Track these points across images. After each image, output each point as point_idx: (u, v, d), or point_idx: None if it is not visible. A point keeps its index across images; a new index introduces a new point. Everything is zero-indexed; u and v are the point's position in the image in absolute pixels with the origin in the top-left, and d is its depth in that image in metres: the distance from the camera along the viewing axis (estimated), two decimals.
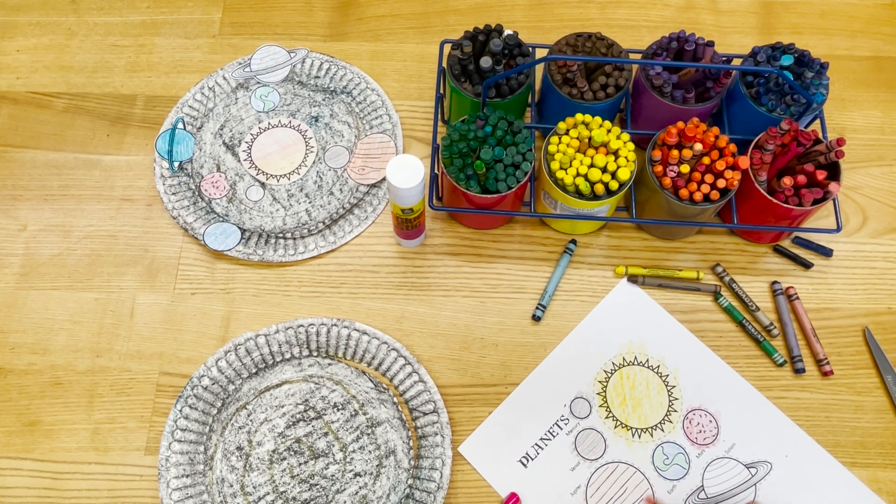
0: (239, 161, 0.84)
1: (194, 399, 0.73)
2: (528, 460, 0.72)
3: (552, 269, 0.80)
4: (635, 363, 0.76)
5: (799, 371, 0.75)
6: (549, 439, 0.73)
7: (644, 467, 0.72)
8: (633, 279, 0.79)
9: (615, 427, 0.73)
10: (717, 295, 0.78)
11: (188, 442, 0.72)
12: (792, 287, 0.78)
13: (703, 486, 0.71)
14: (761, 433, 0.73)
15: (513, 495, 0.70)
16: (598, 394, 0.74)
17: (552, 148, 0.72)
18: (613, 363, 0.76)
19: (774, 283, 0.79)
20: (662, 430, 0.73)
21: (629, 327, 0.77)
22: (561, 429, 0.73)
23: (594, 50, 0.78)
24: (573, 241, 0.80)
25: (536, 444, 0.72)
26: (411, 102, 0.88)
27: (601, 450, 0.72)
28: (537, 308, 0.77)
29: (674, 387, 0.75)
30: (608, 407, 0.74)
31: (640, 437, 0.73)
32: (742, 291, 0.78)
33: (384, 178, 0.83)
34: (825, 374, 0.75)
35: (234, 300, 0.78)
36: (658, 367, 0.75)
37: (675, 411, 0.74)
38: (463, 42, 0.75)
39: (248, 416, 0.73)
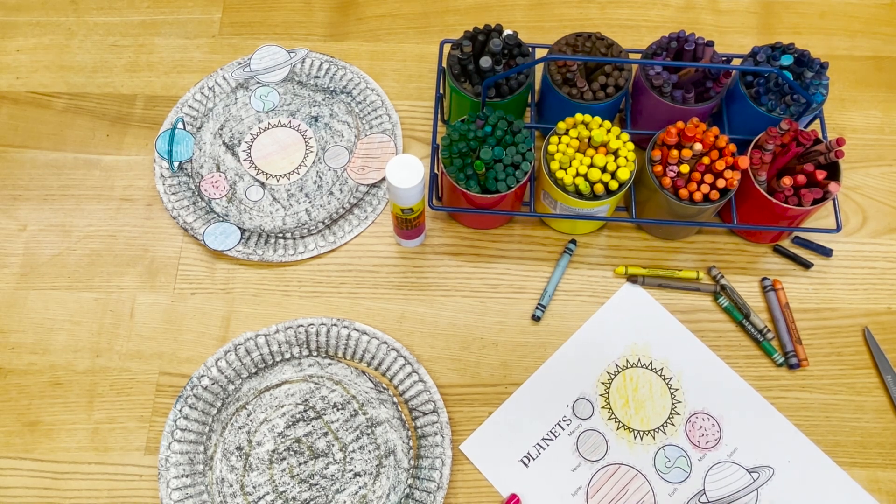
0: (239, 161, 0.84)
1: (194, 399, 0.73)
2: (529, 460, 0.72)
3: (552, 269, 0.80)
4: (639, 365, 0.76)
5: (793, 367, 0.75)
6: (551, 439, 0.72)
7: (645, 470, 0.72)
8: (632, 279, 0.79)
9: (617, 429, 0.73)
10: (716, 295, 0.78)
11: (188, 442, 0.72)
12: (779, 281, 0.78)
13: (704, 489, 0.71)
14: (764, 438, 0.73)
15: (513, 496, 0.70)
16: (600, 395, 0.74)
17: (552, 148, 0.72)
18: (617, 365, 0.76)
19: (764, 279, 0.79)
20: (665, 432, 0.73)
21: (634, 329, 0.77)
22: (563, 429, 0.73)
23: (594, 50, 0.78)
24: (573, 241, 0.80)
25: (538, 443, 0.72)
26: (411, 102, 0.88)
27: (603, 451, 0.72)
28: (537, 308, 0.77)
29: (677, 390, 0.75)
30: (611, 408, 0.74)
31: (642, 439, 0.73)
32: (736, 295, 0.77)
33: (384, 178, 0.83)
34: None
35: (234, 300, 0.78)
36: (662, 369, 0.75)
37: (678, 414, 0.74)
38: (463, 42, 0.75)
39: (248, 416, 0.73)
